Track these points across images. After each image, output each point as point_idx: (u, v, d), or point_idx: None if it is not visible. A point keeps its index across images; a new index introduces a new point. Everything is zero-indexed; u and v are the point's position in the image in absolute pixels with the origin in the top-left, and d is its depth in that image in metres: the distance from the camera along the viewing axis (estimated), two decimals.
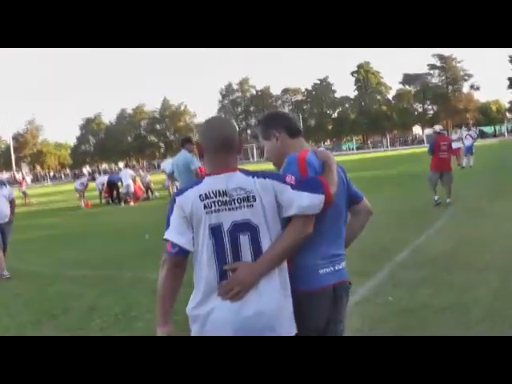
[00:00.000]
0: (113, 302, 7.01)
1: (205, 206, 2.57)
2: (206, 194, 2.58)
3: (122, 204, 23.41)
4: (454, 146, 25.74)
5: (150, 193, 25.37)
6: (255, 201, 2.58)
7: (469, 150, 25.03)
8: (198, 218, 2.58)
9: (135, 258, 9.67)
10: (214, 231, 2.58)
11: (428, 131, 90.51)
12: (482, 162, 24.97)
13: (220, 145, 2.69)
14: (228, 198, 2.58)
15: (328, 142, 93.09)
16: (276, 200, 2.61)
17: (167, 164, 23.48)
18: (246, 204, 2.58)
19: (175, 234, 2.60)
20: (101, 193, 25.61)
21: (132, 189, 23.57)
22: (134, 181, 24.09)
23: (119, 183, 24.51)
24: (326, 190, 2.61)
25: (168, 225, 2.63)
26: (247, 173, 2.66)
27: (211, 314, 2.56)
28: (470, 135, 25.85)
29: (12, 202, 9.65)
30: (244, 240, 2.59)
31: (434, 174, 13.41)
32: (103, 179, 25.91)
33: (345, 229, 3.00)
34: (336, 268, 2.84)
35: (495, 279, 6.48)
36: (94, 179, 26.88)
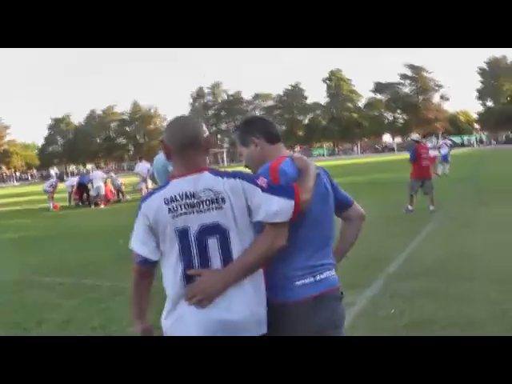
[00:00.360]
0: (92, 314, 6.48)
1: (170, 210, 2.46)
2: (171, 197, 2.47)
3: (93, 206, 22.81)
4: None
5: (121, 195, 24.74)
6: (224, 203, 2.46)
7: (445, 159, 25.04)
8: (162, 224, 2.48)
9: (112, 265, 9.05)
10: (180, 235, 2.47)
11: (398, 140, 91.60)
12: (457, 171, 24.96)
13: (187, 143, 2.55)
14: (196, 200, 2.46)
15: (298, 148, 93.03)
16: (247, 204, 2.49)
17: (142, 167, 23.09)
18: (214, 206, 2.46)
19: (138, 244, 2.55)
20: (70, 195, 24.91)
21: (103, 191, 23.04)
22: (105, 183, 23.52)
23: (89, 185, 23.92)
24: (296, 196, 2.48)
25: (133, 233, 2.57)
26: (216, 173, 2.53)
27: (180, 321, 2.48)
28: (446, 143, 25.92)
29: None
30: (212, 244, 2.47)
31: (415, 181, 13.31)
32: (73, 181, 25.24)
33: (330, 237, 2.85)
34: (318, 278, 2.69)
35: (493, 291, 6.21)
36: (62, 180, 26.12)
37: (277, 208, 2.45)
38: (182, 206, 2.46)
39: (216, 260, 2.48)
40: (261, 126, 2.91)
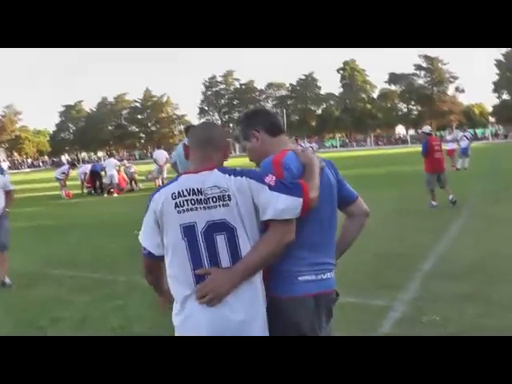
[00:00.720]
0: (107, 312, 6.04)
1: (176, 205, 2.48)
2: (179, 192, 2.49)
3: (105, 195, 22.41)
4: (449, 147, 25.49)
5: (134, 184, 24.33)
6: (230, 200, 2.47)
7: (464, 152, 24.33)
8: (167, 218, 2.50)
9: (126, 258, 8.62)
10: (186, 231, 2.48)
11: (412, 132, 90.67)
12: (476, 165, 24.28)
13: (202, 141, 2.64)
14: (203, 197, 2.47)
15: (308, 139, 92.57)
16: (253, 202, 2.49)
17: (160, 154, 22.71)
18: (221, 203, 2.47)
19: (144, 237, 2.60)
20: (83, 182, 24.55)
21: (116, 179, 22.61)
22: (118, 171, 23.09)
23: (102, 173, 23.52)
24: (305, 194, 2.47)
25: (142, 226, 2.62)
26: (225, 171, 2.54)
27: (189, 320, 2.49)
28: (466, 136, 25.16)
29: (9, 194, 7.87)
30: (220, 240, 2.47)
31: (431, 176, 12.82)
32: (86, 168, 24.85)
33: (333, 236, 2.83)
34: (320, 277, 2.68)
35: None
36: (74, 167, 25.79)
37: (284, 206, 2.44)
38: (189, 202, 2.47)
39: (224, 256, 2.47)
40: (261, 119, 2.87)
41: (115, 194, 22.11)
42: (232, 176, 2.50)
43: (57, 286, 7.45)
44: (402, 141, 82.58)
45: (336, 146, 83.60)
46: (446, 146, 25.83)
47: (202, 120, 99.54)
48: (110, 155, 25.23)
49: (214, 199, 2.46)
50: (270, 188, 2.46)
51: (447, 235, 9.33)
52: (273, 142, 2.81)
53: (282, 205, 2.43)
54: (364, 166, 30.02)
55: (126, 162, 27.09)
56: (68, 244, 10.85)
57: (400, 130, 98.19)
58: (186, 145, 2.72)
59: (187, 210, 2.46)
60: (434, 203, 12.63)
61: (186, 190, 2.48)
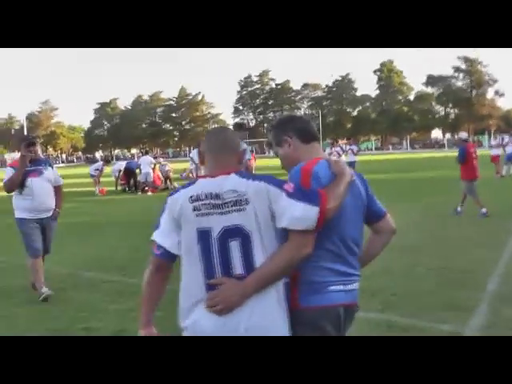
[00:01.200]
0: None
1: (194, 208, 2.48)
2: (197, 196, 2.48)
3: (139, 193, 22.15)
4: (494, 152, 24.54)
5: (168, 183, 23.94)
6: (247, 204, 2.43)
7: (510, 158, 23.36)
8: (185, 220, 2.50)
9: None
10: (201, 236, 2.47)
11: (448, 136, 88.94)
12: None
13: (217, 145, 2.64)
14: (220, 202, 2.45)
15: (343, 141, 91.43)
16: (270, 208, 2.44)
17: (198, 153, 22.23)
18: (237, 208, 2.44)
19: (161, 236, 2.58)
20: (117, 179, 24.32)
21: (151, 177, 22.38)
22: (153, 169, 22.77)
23: (137, 171, 23.24)
24: (322, 203, 2.39)
25: (157, 225, 2.62)
26: (243, 175, 2.52)
27: (195, 326, 2.49)
28: None
29: (59, 190, 7.15)
30: (234, 247, 2.43)
31: (472, 183, 12.35)
32: (120, 165, 24.69)
33: (360, 247, 2.77)
34: (348, 288, 2.64)
35: None
36: (109, 163, 25.62)
37: (300, 214, 2.38)
38: (206, 206, 2.46)
39: (237, 263, 2.44)
40: (294, 125, 2.83)
41: (149, 193, 21.79)
42: (250, 180, 2.47)
43: (90, 292, 7.00)
44: (439, 145, 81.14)
45: (371, 149, 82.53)
46: (490, 152, 24.99)
47: (237, 119, 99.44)
48: (146, 153, 24.80)
49: (232, 204, 2.44)
50: (288, 195, 2.41)
51: (507, 250, 8.58)
52: (305, 149, 2.78)
53: (298, 213, 2.38)
54: (407, 171, 29.27)
55: (161, 159, 26.71)
56: (101, 244, 10.44)
57: (436, 133, 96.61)
58: (201, 149, 2.73)
59: (204, 214, 2.46)
60: (484, 211, 12.01)
61: (205, 193, 2.47)
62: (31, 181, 6.70)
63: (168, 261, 2.58)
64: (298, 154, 2.76)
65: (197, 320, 2.48)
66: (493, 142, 25.45)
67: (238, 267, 2.44)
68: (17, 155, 7.41)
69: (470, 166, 12.40)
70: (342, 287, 2.61)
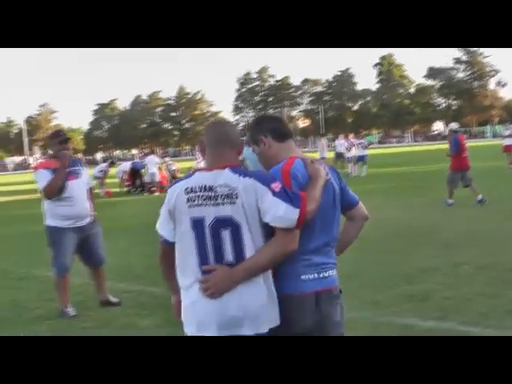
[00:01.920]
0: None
1: (188, 200, 2.65)
2: (192, 188, 2.66)
3: (146, 194, 21.69)
4: (507, 142, 23.89)
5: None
6: (237, 198, 2.61)
7: None
8: (180, 210, 2.68)
9: None
10: (195, 224, 2.65)
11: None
12: None
13: (217, 140, 2.78)
14: (213, 194, 2.63)
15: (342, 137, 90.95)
16: (257, 204, 2.62)
17: None
18: (228, 201, 2.62)
19: (160, 225, 2.82)
20: (122, 181, 23.83)
21: (157, 178, 21.92)
22: (160, 169, 22.31)
23: (143, 171, 22.80)
24: (303, 205, 2.60)
25: (160, 215, 2.81)
26: (236, 171, 2.68)
27: (194, 307, 2.68)
28: None
29: (91, 192, 6.59)
30: (225, 235, 2.63)
31: (456, 174, 12.67)
32: (125, 166, 24.23)
33: (335, 238, 2.95)
34: (321, 275, 2.80)
35: None
36: (113, 165, 25.20)
37: (283, 214, 2.57)
38: (199, 198, 2.64)
39: (228, 250, 2.64)
40: (268, 125, 2.99)
41: (157, 193, 21.25)
42: (241, 176, 2.64)
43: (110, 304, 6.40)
44: (442, 137, 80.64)
45: (374, 143, 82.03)
46: (503, 142, 24.39)
47: (237, 117, 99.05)
48: (151, 152, 24.43)
49: (223, 197, 2.62)
50: (274, 194, 2.59)
51: None
52: (281, 147, 2.94)
53: (280, 212, 2.57)
54: (417, 163, 28.81)
55: (167, 159, 26.25)
56: (115, 250, 9.75)
57: (437, 125, 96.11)
58: (202, 141, 2.86)
59: (198, 205, 2.64)
60: (450, 201, 12.52)
61: (199, 186, 2.65)
62: (71, 184, 6.01)
63: (170, 247, 2.80)
64: (273, 152, 2.93)
65: (194, 301, 2.68)
66: (506, 132, 24.80)
67: (228, 253, 2.64)
68: (30, 158, 6.71)
69: (460, 157, 12.61)
70: (315, 275, 2.78)
